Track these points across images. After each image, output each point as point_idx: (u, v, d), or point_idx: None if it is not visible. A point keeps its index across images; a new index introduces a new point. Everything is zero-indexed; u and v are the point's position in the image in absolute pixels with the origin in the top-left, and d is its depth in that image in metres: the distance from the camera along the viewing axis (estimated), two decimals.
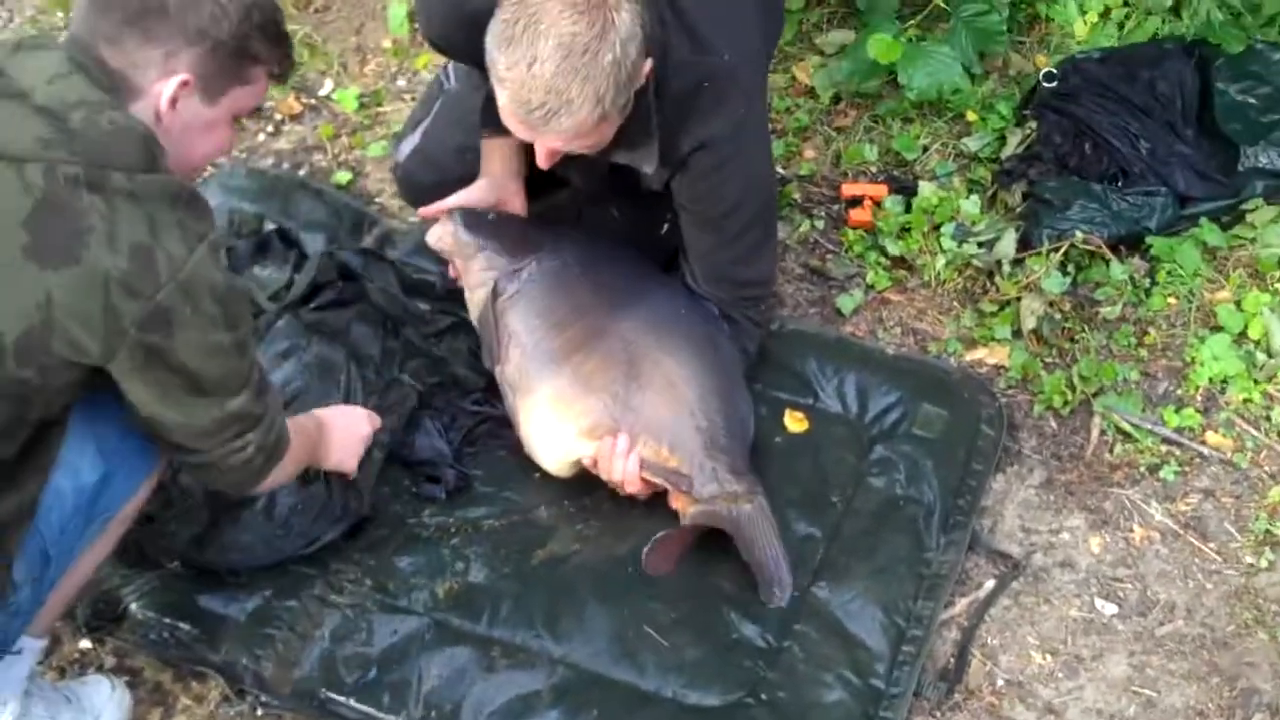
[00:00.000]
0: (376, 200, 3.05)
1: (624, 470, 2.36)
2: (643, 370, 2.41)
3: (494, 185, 2.58)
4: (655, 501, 2.44)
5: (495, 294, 2.50)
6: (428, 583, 2.37)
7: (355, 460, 2.32)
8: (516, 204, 2.61)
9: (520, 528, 2.46)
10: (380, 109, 3.26)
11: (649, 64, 2.12)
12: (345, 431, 2.29)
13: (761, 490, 2.40)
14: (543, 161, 2.23)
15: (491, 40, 2.07)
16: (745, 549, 2.35)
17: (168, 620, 2.29)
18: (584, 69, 2.00)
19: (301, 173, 3.10)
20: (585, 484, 2.48)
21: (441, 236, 2.56)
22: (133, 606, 2.30)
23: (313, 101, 3.26)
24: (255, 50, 1.80)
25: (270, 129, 3.19)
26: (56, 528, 1.88)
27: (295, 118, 3.22)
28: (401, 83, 3.33)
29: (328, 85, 3.30)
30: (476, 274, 2.54)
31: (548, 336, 2.45)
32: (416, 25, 3.26)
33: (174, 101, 1.76)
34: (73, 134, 1.64)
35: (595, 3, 2.00)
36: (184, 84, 1.75)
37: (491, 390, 2.56)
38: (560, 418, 2.40)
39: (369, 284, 2.67)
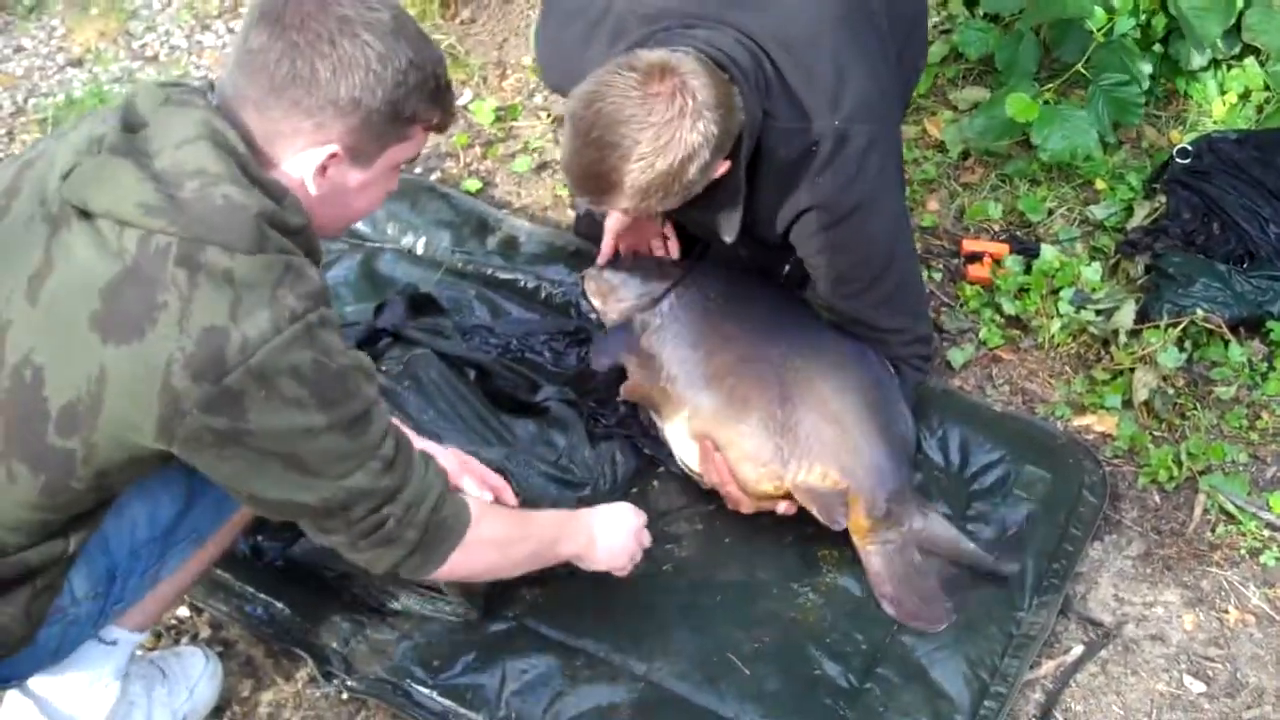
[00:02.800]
0: (503, 209, 3.11)
1: (719, 472, 2.42)
2: (795, 392, 2.45)
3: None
4: (753, 532, 2.46)
5: (637, 329, 2.57)
6: (518, 588, 2.40)
7: (628, 560, 2.21)
8: (655, 231, 2.68)
9: None
10: (515, 123, 3.34)
11: (725, 166, 2.15)
12: (616, 532, 2.19)
13: (929, 504, 2.47)
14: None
15: (567, 103, 2.12)
16: (949, 557, 2.43)
17: (264, 596, 2.35)
18: (634, 172, 2.05)
19: (433, 177, 3.17)
20: (683, 505, 2.51)
21: (588, 286, 2.67)
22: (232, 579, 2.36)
23: None
24: (412, 110, 1.70)
25: None
26: (127, 550, 1.89)
27: None
28: (538, 99, 3.39)
29: (466, 95, 3.38)
30: (617, 311, 2.61)
31: (697, 364, 2.50)
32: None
33: (324, 169, 1.69)
34: (179, 204, 1.57)
35: (667, 119, 2.02)
36: (333, 155, 1.68)
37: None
38: (720, 438, 2.44)
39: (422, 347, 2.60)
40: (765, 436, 2.42)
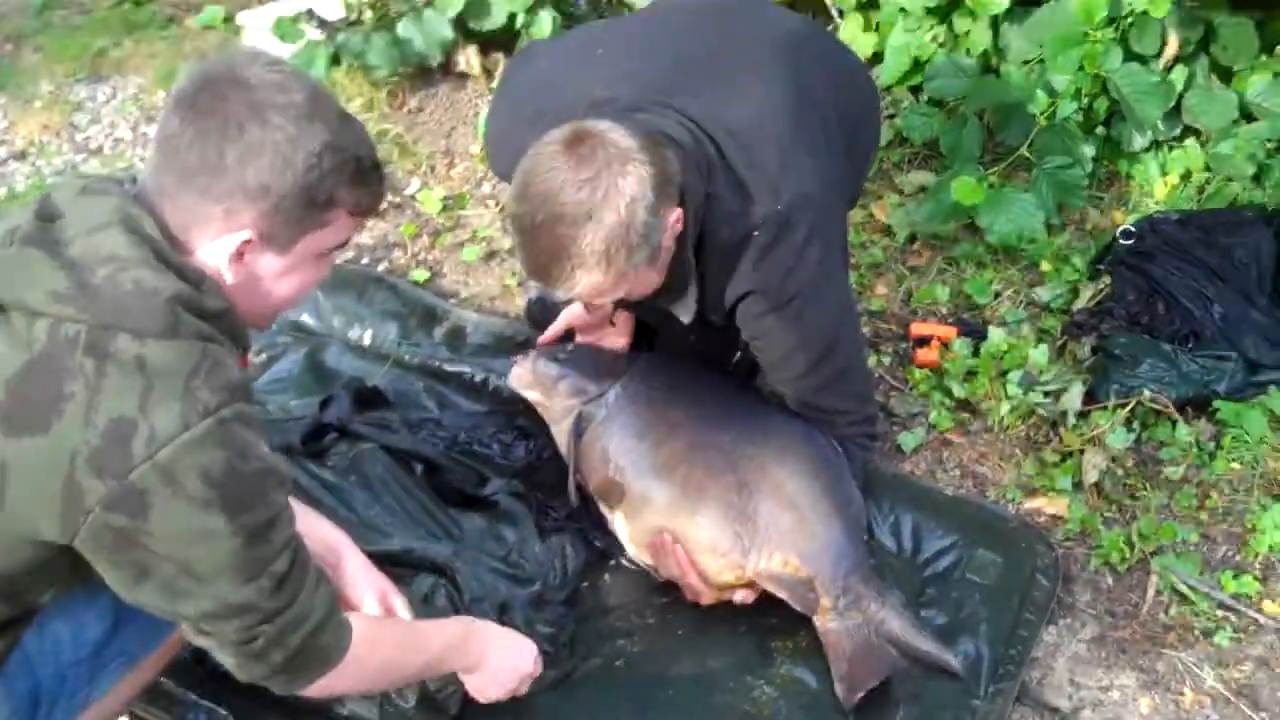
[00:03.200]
0: (451, 299, 3.10)
1: (679, 565, 2.40)
2: (750, 479, 2.44)
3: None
4: (707, 624, 2.44)
5: (581, 423, 2.54)
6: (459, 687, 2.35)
7: (502, 694, 2.14)
8: (620, 320, 2.67)
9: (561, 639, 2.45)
10: (463, 212, 3.34)
11: (676, 213, 2.14)
12: (505, 663, 2.12)
13: (886, 587, 2.45)
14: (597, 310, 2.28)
15: (508, 201, 2.13)
16: (905, 653, 2.39)
17: (206, 703, 2.26)
18: (587, 235, 2.03)
19: (381, 267, 3.16)
20: (635, 599, 2.49)
21: (521, 375, 2.62)
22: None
23: (398, 200, 3.34)
24: (329, 194, 1.64)
25: None
26: (52, 672, 1.84)
27: (379, 214, 3.29)
28: (486, 188, 3.40)
29: (414, 185, 3.38)
30: (560, 405, 2.58)
31: (647, 455, 2.48)
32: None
33: (239, 255, 1.64)
34: (90, 291, 1.53)
35: (595, 172, 2.02)
36: (247, 242, 1.62)
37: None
38: (677, 530, 2.42)
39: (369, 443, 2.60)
40: (724, 526, 2.41)
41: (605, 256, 2.05)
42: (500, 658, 2.11)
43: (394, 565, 2.32)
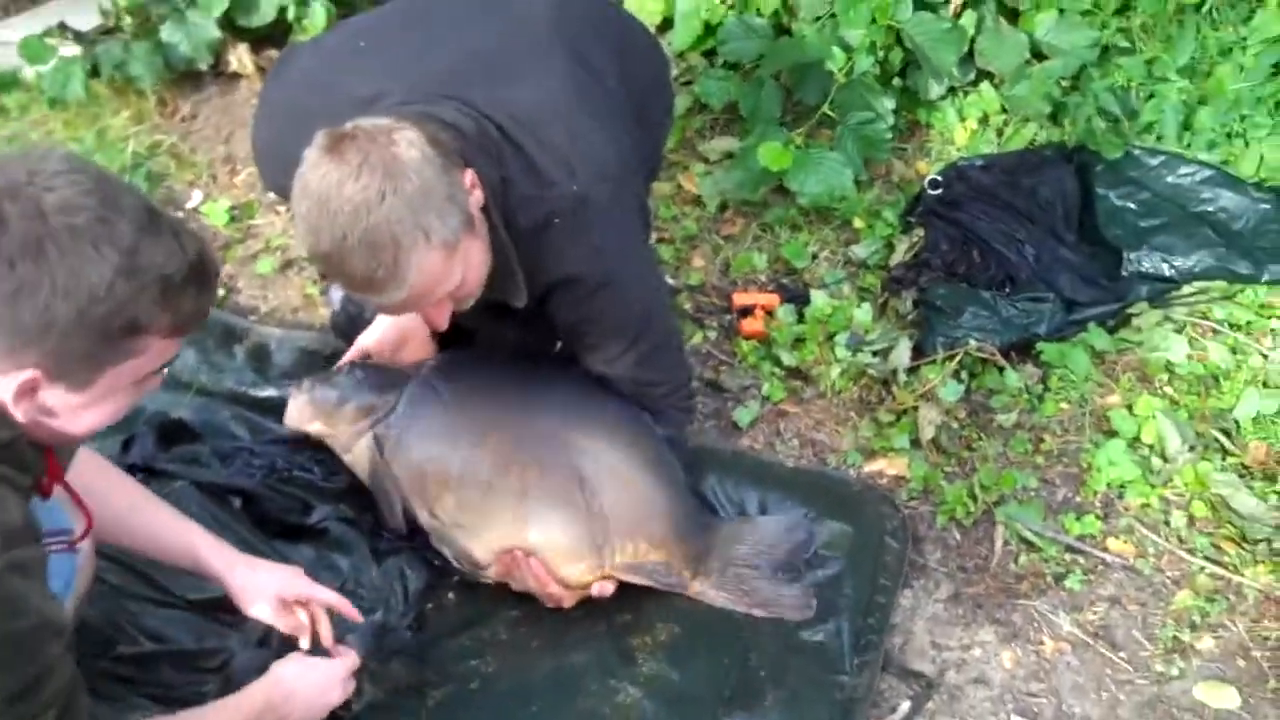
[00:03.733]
0: (250, 315, 2.92)
1: (536, 579, 2.31)
2: (585, 469, 2.34)
3: (396, 322, 2.51)
4: (562, 631, 2.34)
5: (380, 444, 2.39)
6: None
7: (334, 694, 2.05)
8: (421, 336, 2.54)
9: (412, 664, 2.31)
10: (252, 222, 3.15)
11: (470, 175, 2.02)
12: (315, 704, 2.02)
13: (718, 521, 2.48)
14: (437, 326, 2.14)
15: (297, 230, 1.97)
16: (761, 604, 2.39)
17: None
18: (388, 216, 1.89)
19: None
20: (485, 615, 2.37)
21: (298, 410, 2.47)
22: None
23: (180, 214, 3.13)
24: (132, 323, 1.48)
25: None
26: None
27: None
28: (274, 195, 3.21)
29: (196, 197, 3.18)
30: (348, 432, 2.45)
31: (469, 461, 2.35)
32: None
33: (28, 393, 1.49)
34: None
35: (364, 154, 1.89)
36: (33, 380, 1.48)
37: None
38: (529, 543, 2.32)
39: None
40: (576, 529, 2.32)
41: (421, 230, 1.90)
42: (307, 702, 2.00)
43: (219, 610, 2.18)
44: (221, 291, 2.97)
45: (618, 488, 2.35)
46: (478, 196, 2.05)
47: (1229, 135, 3.28)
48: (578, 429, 2.39)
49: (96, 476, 1.95)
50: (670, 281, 3.06)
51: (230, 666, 2.17)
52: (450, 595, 2.42)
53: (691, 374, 2.62)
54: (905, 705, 2.34)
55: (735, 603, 2.39)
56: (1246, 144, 3.27)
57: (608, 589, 2.36)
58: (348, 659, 2.09)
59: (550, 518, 2.31)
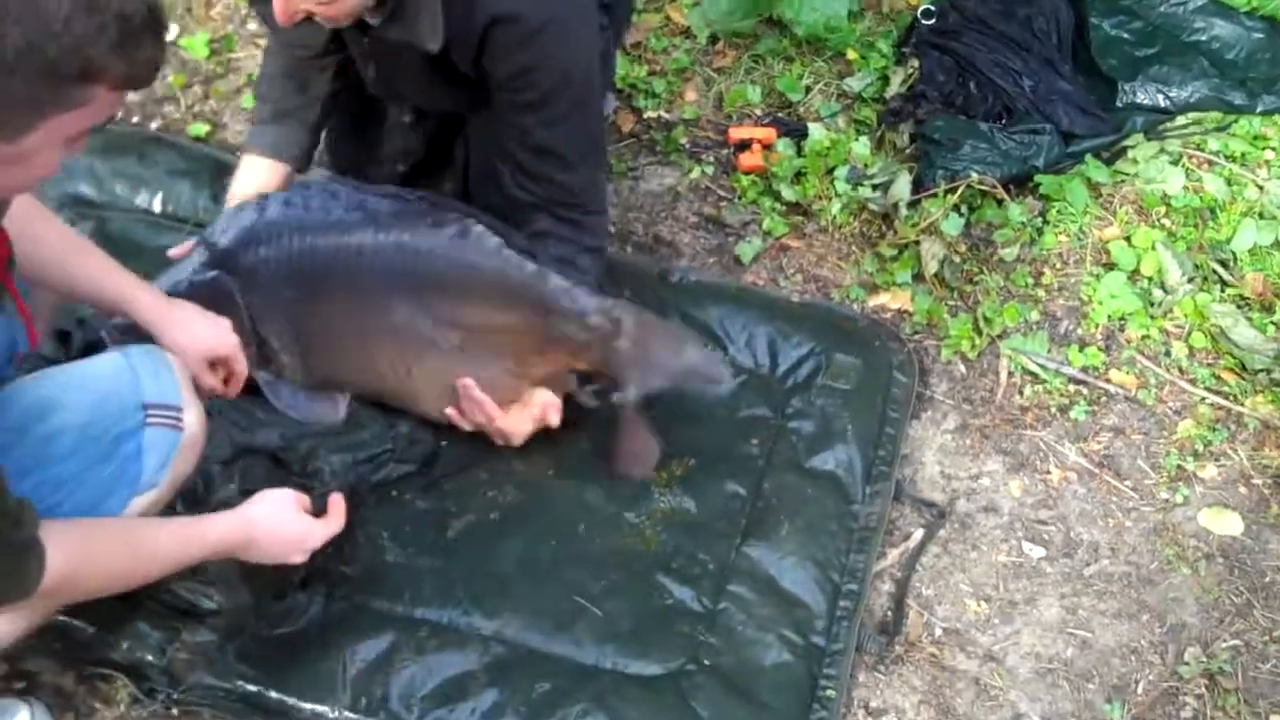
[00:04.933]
0: (237, 153, 2.84)
1: (484, 412, 2.29)
2: (418, 310, 2.26)
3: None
4: (576, 468, 2.35)
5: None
6: (337, 566, 2.21)
7: (296, 556, 1.95)
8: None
9: (430, 498, 2.33)
10: (232, 55, 3.05)
11: None
12: (268, 553, 1.92)
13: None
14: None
15: None
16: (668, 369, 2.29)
17: (61, 617, 2.09)
18: None
19: (154, 126, 2.87)
20: (490, 450, 2.37)
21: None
22: None
23: None
24: (88, 66, 1.34)
25: None
26: None
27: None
28: (253, 26, 3.10)
29: (173, 30, 3.06)
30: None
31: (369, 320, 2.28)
32: None
33: None
34: None
35: None
36: None
37: None
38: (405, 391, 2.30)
39: None
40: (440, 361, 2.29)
41: None
42: (265, 554, 1.92)
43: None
44: (207, 126, 2.88)
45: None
46: None
47: None
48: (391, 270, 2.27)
49: (36, 219, 1.87)
50: (665, 115, 3.01)
51: None
52: (443, 443, 2.40)
53: (609, 221, 2.50)
54: (919, 533, 2.38)
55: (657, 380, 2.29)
56: None
57: (554, 415, 2.34)
58: (329, 526, 1.98)
59: (402, 354, 2.29)
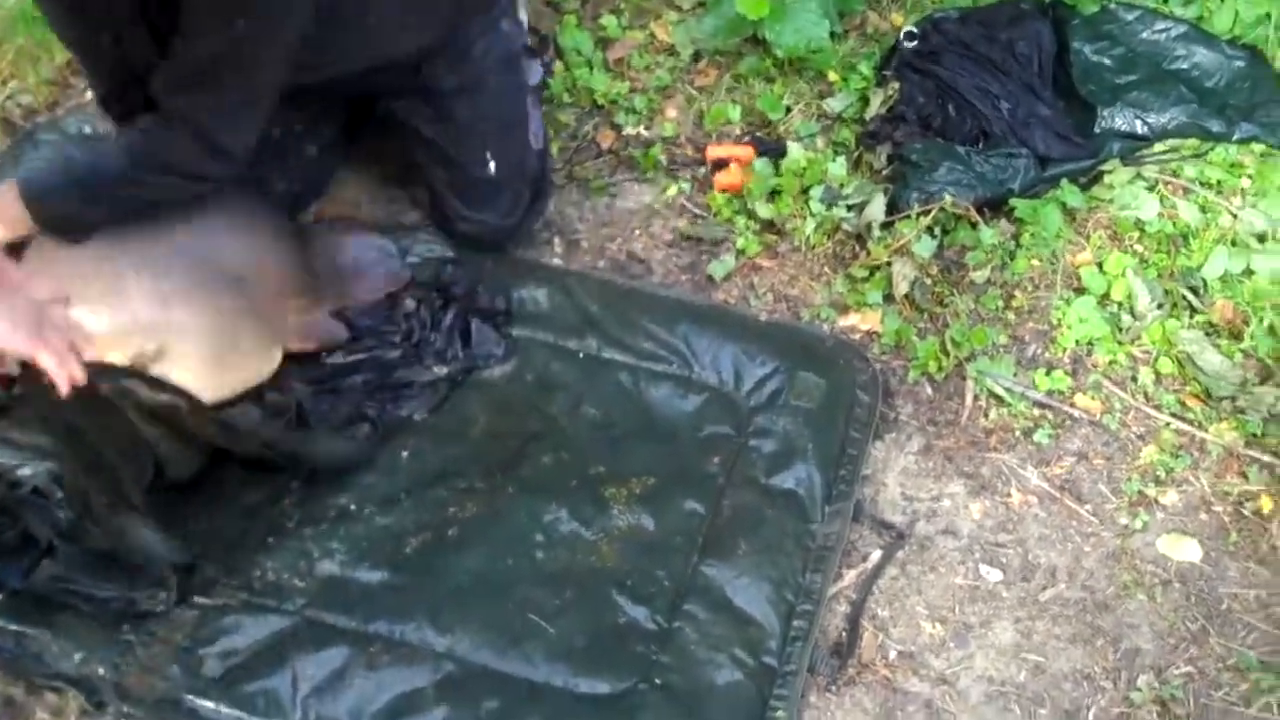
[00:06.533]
0: None
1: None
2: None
3: None
4: (538, 482, 2.37)
5: None
6: (291, 578, 2.24)
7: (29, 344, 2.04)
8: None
9: (389, 514, 2.34)
10: None
11: None
12: None
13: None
14: None
15: None
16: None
17: (13, 628, 2.12)
18: None
19: None
20: (454, 465, 2.39)
21: None
22: None
23: None
24: None
25: None
26: None
27: None
28: None
29: None
30: None
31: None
32: None
33: None
34: None
35: None
36: None
37: None
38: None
39: None
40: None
41: None
42: None
43: None
44: None
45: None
46: None
47: None
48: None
49: None
50: (644, 133, 3.03)
51: None
52: (428, 445, 2.43)
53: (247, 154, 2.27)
54: (876, 555, 2.39)
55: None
56: (1221, 0, 3.25)
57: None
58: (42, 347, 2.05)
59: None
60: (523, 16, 2.69)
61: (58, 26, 2.35)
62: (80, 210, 2.26)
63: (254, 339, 2.38)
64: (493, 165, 2.65)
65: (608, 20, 3.22)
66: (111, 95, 2.40)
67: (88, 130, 2.83)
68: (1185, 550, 2.41)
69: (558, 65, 3.08)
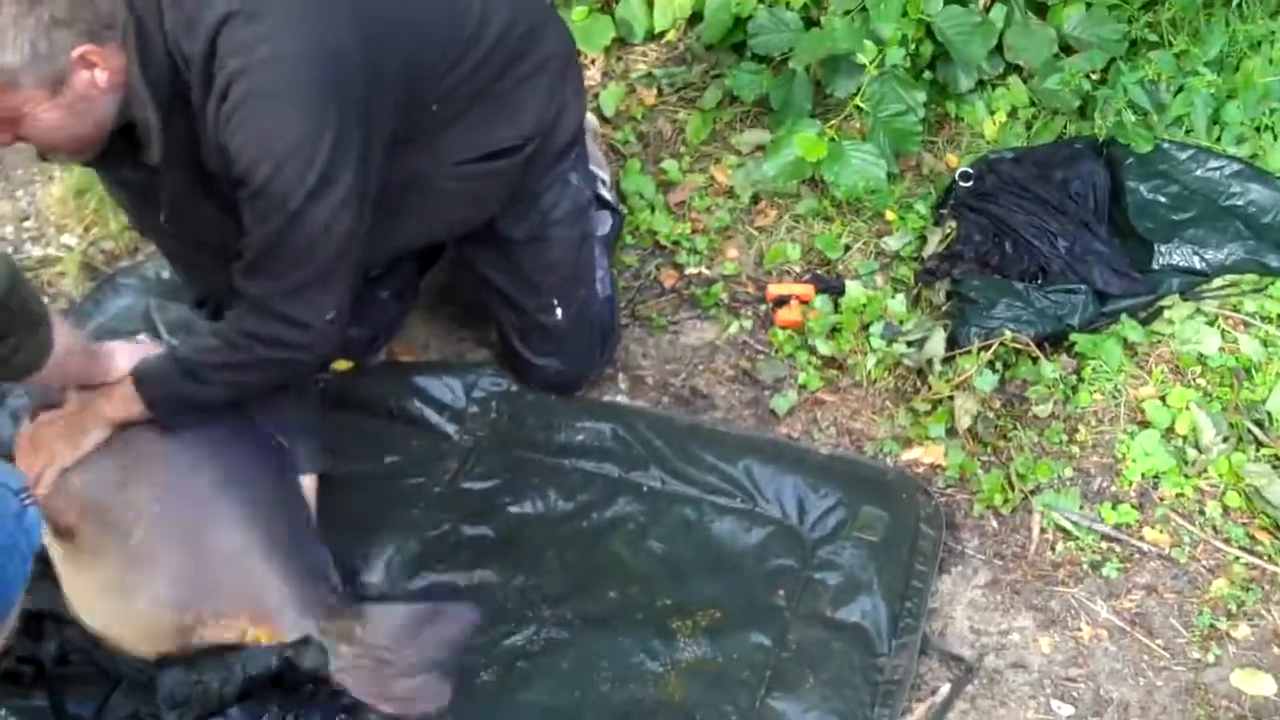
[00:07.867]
0: None
1: None
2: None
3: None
4: (602, 615, 2.37)
5: None
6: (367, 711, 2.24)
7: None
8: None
9: None
10: None
11: (111, 56, 1.96)
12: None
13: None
14: None
15: None
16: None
17: None
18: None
19: None
20: (521, 598, 2.40)
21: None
22: None
23: None
24: None
25: None
26: None
27: None
28: None
29: None
30: None
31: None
32: None
33: None
34: None
35: None
36: None
37: None
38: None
39: None
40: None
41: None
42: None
43: None
44: None
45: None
46: (102, 80, 1.97)
47: (1258, 129, 3.30)
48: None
49: None
50: (706, 271, 3.09)
51: None
52: (494, 578, 2.45)
53: (333, 322, 2.21)
54: (945, 688, 2.37)
55: (374, 699, 2.18)
56: (1275, 137, 3.29)
57: None
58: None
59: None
60: (596, 170, 2.76)
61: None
62: (184, 387, 2.22)
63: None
64: (559, 312, 2.70)
65: (669, 164, 3.30)
66: (210, 298, 2.54)
67: (165, 275, 2.92)
68: (1260, 685, 2.38)
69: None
